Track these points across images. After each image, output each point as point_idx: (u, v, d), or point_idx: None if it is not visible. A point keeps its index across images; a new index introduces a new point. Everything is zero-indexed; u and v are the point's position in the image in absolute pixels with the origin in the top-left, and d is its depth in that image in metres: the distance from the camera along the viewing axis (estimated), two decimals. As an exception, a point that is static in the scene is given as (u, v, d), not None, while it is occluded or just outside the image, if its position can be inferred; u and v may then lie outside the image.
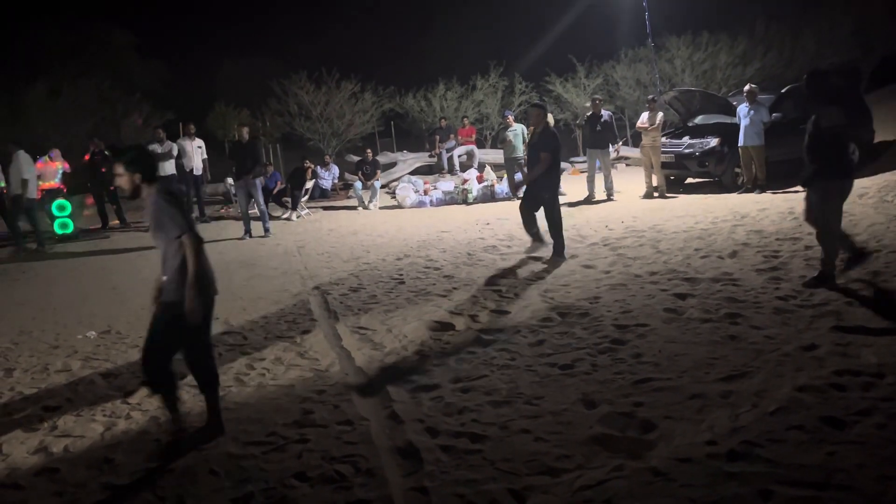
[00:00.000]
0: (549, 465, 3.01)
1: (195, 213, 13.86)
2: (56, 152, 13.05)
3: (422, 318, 5.64)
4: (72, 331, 6.17)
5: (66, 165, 13.19)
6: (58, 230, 12.17)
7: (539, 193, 7.69)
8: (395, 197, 15.12)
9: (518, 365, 4.33)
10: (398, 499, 2.87)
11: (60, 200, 12.34)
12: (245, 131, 11.90)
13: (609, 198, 12.15)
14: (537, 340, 4.79)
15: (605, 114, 12.68)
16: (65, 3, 28.70)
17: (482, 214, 11.83)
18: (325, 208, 15.12)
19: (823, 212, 5.40)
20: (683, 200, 11.14)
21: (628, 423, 3.36)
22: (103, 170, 13.42)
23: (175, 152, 13.14)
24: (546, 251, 7.69)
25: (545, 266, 7.22)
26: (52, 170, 12.88)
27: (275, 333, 5.60)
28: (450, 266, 7.68)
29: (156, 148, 13.02)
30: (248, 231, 11.52)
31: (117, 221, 13.90)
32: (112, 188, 13.91)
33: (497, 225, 10.40)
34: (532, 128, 8.07)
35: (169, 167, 13.01)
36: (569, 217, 7.76)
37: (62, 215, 12.19)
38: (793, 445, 2.96)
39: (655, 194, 11.75)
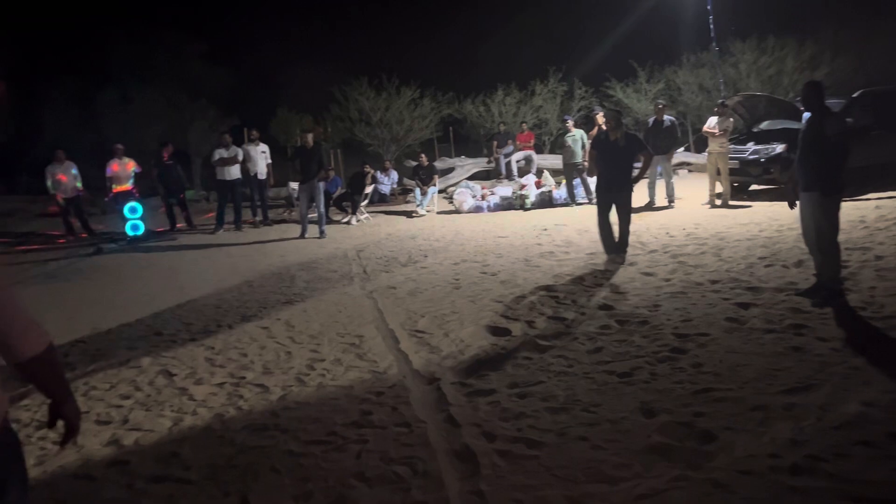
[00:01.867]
0: (607, 473, 3.00)
1: (258, 217, 14.22)
2: (119, 148, 13.54)
3: (478, 322, 5.67)
4: (141, 328, 6.40)
5: (137, 166, 13.71)
6: (129, 232, 12.63)
7: (621, 193, 7.73)
8: (452, 202, 15.20)
9: (575, 372, 4.32)
10: (455, 502, 2.90)
11: (133, 203, 12.80)
12: (309, 137, 12.26)
13: (670, 204, 11.96)
14: (595, 348, 4.76)
15: (668, 119, 12.49)
16: (135, 12, 29.81)
17: (539, 220, 11.79)
18: (384, 213, 15.30)
19: (826, 223, 5.34)
20: (748, 208, 10.87)
21: (688, 433, 3.32)
22: (171, 168, 13.92)
23: (241, 157, 13.51)
24: (605, 259, 7.65)
25: (604, 273, 7.16)
26: (126, 172, 13.40)
27: (334, 335, 5.70)
28: (506, 271, 7.68)
29: (221, 153, 13.42)
30: (304, 231, 11.89)
31: (184, 223, 14.35)
32: (181, 192, 14.42)
33: (555, 231, 10.36)
34: (594, 133, 8.11)
35: (234, 171, 13.40)
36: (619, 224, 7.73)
37: (134, 217, 12.65)
38: (859, 461, 2.88)
39: (718, 201, 11.50)
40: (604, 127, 12.30)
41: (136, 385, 4.81)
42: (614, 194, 7.78)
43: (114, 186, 13.51)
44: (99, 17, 28.28)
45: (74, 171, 13.61)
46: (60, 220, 14.10)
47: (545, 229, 10.60)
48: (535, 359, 4.65)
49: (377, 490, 3.05)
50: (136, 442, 3.83)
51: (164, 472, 3.41)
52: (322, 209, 12.08)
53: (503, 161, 17.76)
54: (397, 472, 3.18)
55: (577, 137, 13.54)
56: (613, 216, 7.85)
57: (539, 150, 20.17)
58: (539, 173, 16.07)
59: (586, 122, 16.59)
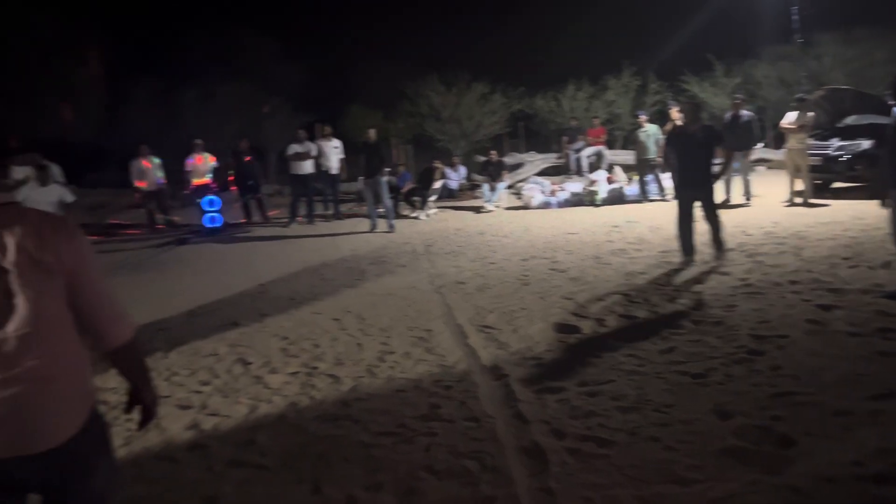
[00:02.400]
0: (679, 474, 2.94)
1: (330, 210, 14.50)
2: (199, 143, 14.04)
3: (547, 319, 5.64)
4: (219, 318, 6.62)
5: (214, 160, 14.20)
6: (207, 224, 13.07)
7: (702, 190, 7.35)
8: (521, 197, 15.14)
9: (647, 371, 4.25)
10: (524, 498, 2.90)
11: (211, 196, 13.25)
12: (373, 133, 12.45)
13: (747, 202, 11.59)
14: (668, 347, 4.67)
15: (746, 114, 12.10)
16: (216, 11, 30.82)
17: (610, 217, 11.62)
18: (452, 208, 15.36)
19: None
20: (830, 206, 10.44)
21: (765, 436, 3.22)
22: (247, 163, 14.35)
23: (314, 152, 13.79)
24: (680, 258, 7.47)
25: (677, 271, 7.01)
26: (205, 166, 13.89)
27: (404, 328, 5.77)
28: (576, 268, 7.61)
29: (296, 148, 13.75)
30: (373, 226, 12.10)
31: (259, 217, 14.76)
32: (257, 184, 14.83)
33: (626, 228, 10.19)
34: (668, 128, 7.88)
35: (308, 166, 13.70)
36: (705, 222, 7.46)
37: (212, 210, 13.08)
38: (952, 474, 2.74)
39: (799, 200, 11.08)
40: (678, 122, 12.05)
41: (214, 372, 4.99)
42: (694, 191, 7.35)
43: (193, 180, 14.03)
44: (183, 18, 29.37)
45: (158, 165, 14.18)
46: (143, 213, 14.73)
47: (616, 226, 10.44)
48: (606, 357, 4.60)
49: (446, 483, 3.08)
50: (214, 427, 3.98)
51: (242, 458, 3.53)
52: (388, 204, 12.23)
53: (573, 156, 17.57)
54: (466, 467, 3.21)
55: (651, 133, 13.29)
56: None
57: (611, 146, 19.87)
58: (610, 169, 15.83)
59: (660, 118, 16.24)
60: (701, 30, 27.74)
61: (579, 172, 17.05)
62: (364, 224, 12.73)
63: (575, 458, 3.18)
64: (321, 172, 14.14)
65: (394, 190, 14.85)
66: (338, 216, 14.42)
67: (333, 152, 14.18)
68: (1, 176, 1.88)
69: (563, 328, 5.36)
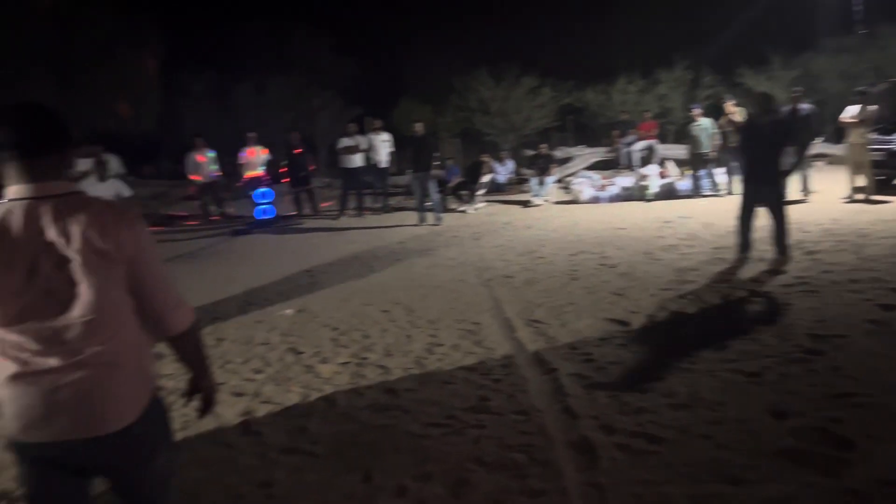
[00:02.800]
0: (733, 473, 2.90)
1: (378, 204, 14.61)
2: (252, 136, 14.30)
3: (596, 314, 5.60)
4: (271, 308, 6.75)
5: (267, 153, 14.44)
6: (259, 216, 13.31)
7: (771, 187, 6.92)
8: (570, 192, 15.02)
9: (699, 369, 4.18)
10: (573, 492, 2.90)
11: (263, 188, 13.48)
12: (420, 127, 12.51)
13: (804, 198, 11.28)
14: (720, 345, 4.58)
15: (805, 107, 11.75)
16: (271, 6, 31.31)
17: (662, 212, 11.45)
18: (500, 202, 15.32)
19: None
20: (892, 203, 10.08)
21: (822, 438, 3.15)
22: (300, 158, 14.57)
23: (364, 146, 13.91)
24: (734, 255, 7.32)
25: (731, 268, 6.87)
26: (256, 159, 14.14)
27: (452, 321, 5.79)
28: (626, 264, 7.52)
29: (346, 141, 13.89)
30: (421, 219, 12.19)
31: (309, 209, 14.96)
32: (308, 177, 15.03)
33: (678, 223, 10.02)
34: (722, 122, 7.63)
35: (357, 159, 13.82)
36: (770, 220, 7.15)
37: (264, 202, 13.31)
38: None
39: (859, 196, 10.72)
40: (734, 117, 11.79)
41: (267, 361, 5.10)
42: (761, 187, 6.95)
43: (246, 172, 14.31)
44: (238, 12, 29.88)
45: (211, 158, 14.49)
46: (198, 204, 15.08)
47: (668, 222, 10.28)
48: (656, 353, 4.54)
49: (495, 476, 3.10)
50: (267, 414, 4.07)
51: (294, 445, 3.60)
52: (436, 197, 12.27)
53: (624, 151, 17.33)
54: (515, 460, 3.22)
55: (704, 127, 13.02)
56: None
57: (662, 140, 19.52)
58: (662, 164, 15.59)
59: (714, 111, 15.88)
60: (757, 21, 27.00)
61: (630, 167, 16.81)
62: (412, 217, 12.79)
63: (625, 454, 3.16)
64: (370, 166, 14.26)
65: (441, 184, 14.90)
66: (386, 209, 14.53)
67: (383, 146, 14.27)
68: (67, 167, 1.94)
69: (613, 323, 5.31)
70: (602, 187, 14.40)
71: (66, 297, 1.77)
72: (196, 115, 23.89)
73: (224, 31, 28.56)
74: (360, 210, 14.04)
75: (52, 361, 1.79)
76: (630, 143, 17.30)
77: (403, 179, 17.45)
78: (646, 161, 16.53)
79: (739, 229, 7.16)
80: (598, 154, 18.47)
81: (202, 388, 2.15)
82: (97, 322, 1.80)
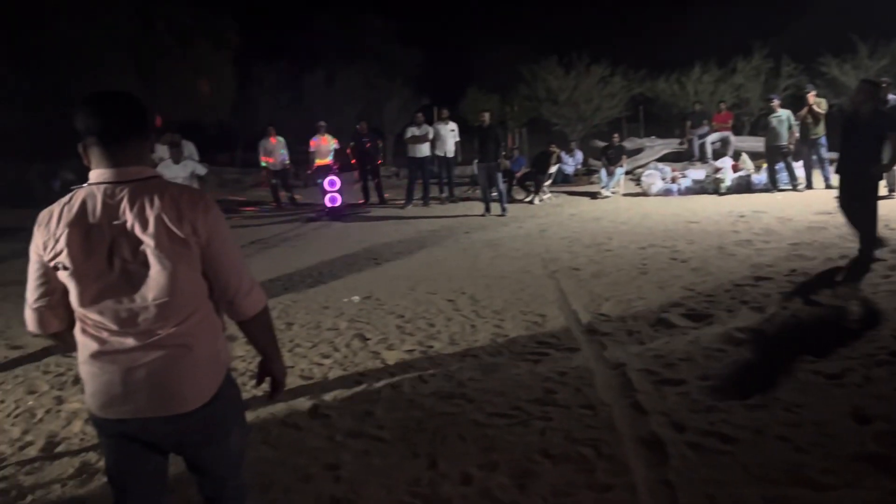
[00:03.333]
0: (811, 477, 2.79)
1: (444, 193, 14.64)
2: (322, 125, 14.53)
3: (667, 309, 5.47)
4: (339, 294, 6.86)
5: (336, 142, 14.64)
6: (328, 204, 13.50)
7: (861, 181, 6.42)
8: (640, 184, 14.73)
9: (776, 368, 4.04)
10: (642, 489, 2.84)
11: (332, 176, 13.66)
12: (487, 116, 12.44)
13: (890, 194, 10.73)
14: (798, 344, 4.42)
15: (893, 98, 11.17)
16: (341, -3, 31.68)
17: (736, 206, 11.09)
18: (567, 193, 15.14)
19: None
20: None
21: (909, 445, 2.99)
22: (367, 146, 14.72)
23: (431, 135, 13.95)
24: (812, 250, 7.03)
25: (810, 264, 6.60)
26: (326, 147, 14.35)
27: (517, 312, 5.76)
28: (698, 258, 7.32)
29: (413, 130, 13.95)
30: (487, 209, 12.14)
31: (377, 198, 15.10)
32: (376, 166, 15.17)
33: (753, 218, 9.69)
34: (802, 113, 7.26)
35: (425, 149, 13.87)
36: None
37: (333, 190, 13.50)
38: None
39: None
40: (816, 108, 11.32)
41: (335, 346, 5.18)
42: (852, 179, 6.52)
43: (315, 160, 14.54)
44: (310, 3, 30.36)
45: (283, 145, 14.79)
46: (269, 191, 15.43)
47: (742, 216, 9.96)
48: (729, 351, 4.41)
49: (561, 468, 3.06)
50: (335, 398, 4.13)
51: (360, 429, 3.65)
52: (501, 187, 12.21)
53: (697, 142, 16.87)
54: (581, 453, 3.17)
55: (783, 118, 12.52)
56: None
57: (737, 132, 18.91)
58: (736, 156, 15.10)
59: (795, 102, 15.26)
60: (842, 6, 25.74)
61: (703, 159, 16.37)
62: (478, 207, 12.77)
63: (696, 453, 3.08)
64: (437, 155, 14.29)
65: (508, 174, 14.80)
66: (452, 199, 14.54)
67: (450, 135, 14.26)
68: (146, 152, 1.99)
69: (685, 319, 5.17)
70: (673, 180, 14.06)
71: (142, 279, 1.83)
72: (268, 104, 24.40)
73: (296, 22, 29.09)
74: (426, 200, 14.09)
75: (129, 341, 1.85)
76: (703, 135, 16.83)
77: (469, 169, 17.48)
78: (719, 153, 16.07)
79: (851, 222, 6.62)
80: (669, 146, 18.02)
81: (272, 372, 2.18)
82: (172, 304, 1.85)
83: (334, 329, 5.65)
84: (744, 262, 6.93)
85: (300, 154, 16.50)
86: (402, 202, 14.10)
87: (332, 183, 13.51)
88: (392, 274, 7.69)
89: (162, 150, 12.32)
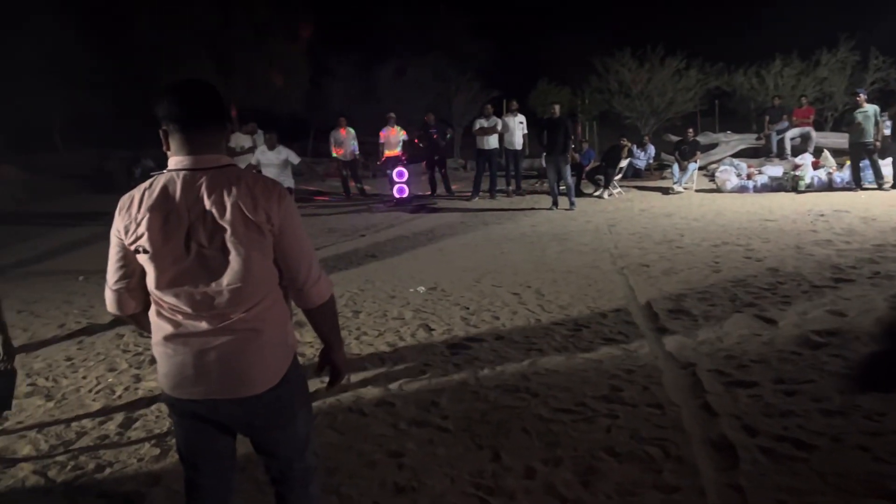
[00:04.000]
0: (892, 490, 2.66)
1: (511, 186, 14.56)
2: (392, 116, 14.67)
3: (740, 309, 5.31)
4: (405, 284, 6.91)
5: (405, 134, 14.76)
6: (396, 194, 13.64)
7: None
8: (713, 180, 14.33)
9: (855, 374, 3.86)
10: (710, 492, 2.77)
11: (400, 167, 13.78)
12: (557, 109, 12.31)
13: None
14: (881, 350, 4.22)
15: None
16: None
17: (815, 204, 10.67)
18: (638, 188, 14.85)
19: None
20: None
21: None
22: (437, 139, 14.78)
23: (499, 127, 13.89)
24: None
25: (895, 266, 6.29)
26: (395, 139, 14.48)
27: (584, 308, 5.69)
28: (774, 258, 7.08)
29: (482, 122, 13.92)
30: (555, 203, 12.00)
31: (444, 189, 15.15)
32: (443, 158, 15.20)
33: (833, 217, 9.31)
34: None
35: (493, 141, 13.83)
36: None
37: (400, 181, 13.62)
38: None
39: None
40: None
41: (401, 335, 5.23)
42: None
43: (385, 151, 14.69)
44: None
45: (353, 136, 14.99)
46: (338, 181, 15.67)
47: (822, 215, 9.57)
48: (806, 355, 4.24)
49: (627, 467, 3.02)
50: (400, 387, 4.17)
51: (425, 418, 3.67)
52: (570, 181, 12.06)
53: (775, 138, 16.28)
54: (648, 453, 3.11)
55: (870, 114, 11.96)
56: None
57: (819, 127, 18.14)
58: (817, 153, 14.51)
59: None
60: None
61: (781, 155, 15.80)
62: (545, 201, 12.66)
63: (769, 458, 2.98)
64: (505, 148, 14.23)
65: (577, 168, 14.62)
66: (519, 192, 14.46)
67: (518, 128, 14.18)
68: (225, 140, 2.04)
69: (758, 320, 5.01)
70: (749, 176, 13.61)
71: (217, 264, 1.87)
72: (340, 95, 24.75)
73: (368, 13, 29.37)
74: (493, 192, 14.05)
75: (202, 325, 1.90)
76: (782, 131, 16.24)
77: (537, 162, 17.34)
78: (799, 150, 15.47)
79: None
80: (745, 141, 17.44)
81: (333, 361, 2.21)
82: (244, 290, 1.90)
83: (400, 318, 5.70)
84: (823, 263, 6.66)
85: (370, 145, 16.70)
86: (469, 194, 14.10)
87: (400, 174, 13.63)
88: (458, 265, 7.70)
89: (242, 139, 12.68)
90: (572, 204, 11.89)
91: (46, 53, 18.10)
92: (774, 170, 13.69)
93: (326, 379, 2.26)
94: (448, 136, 15.68)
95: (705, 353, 4.42)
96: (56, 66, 18.54)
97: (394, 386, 4.18)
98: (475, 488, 2.94)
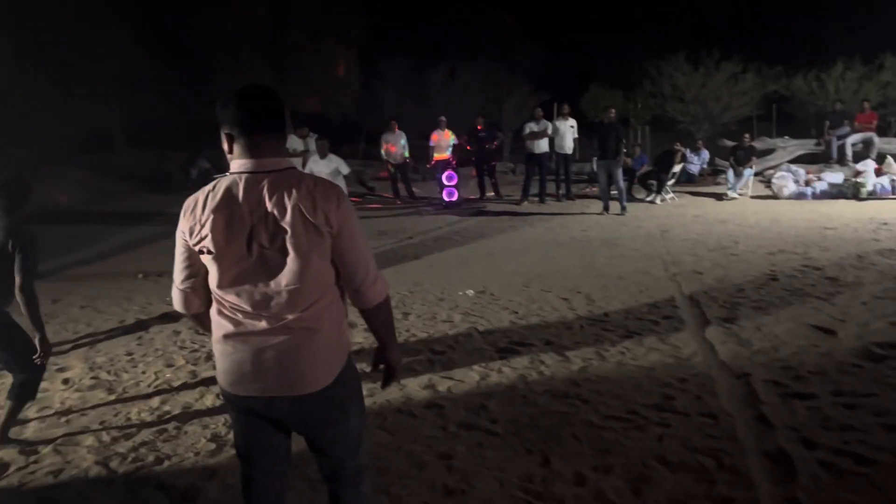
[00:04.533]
0: (959, 509, 2.57)
1: (561, 190, 14.46)
2: (442, 120, 14.72)
3: (797, 319, 5.18)
4: (454, 287, 6.93)
5: (456, 137, 14.80)
6: (445, 197, 13.68)
7: None
8: (770, 186, 13.99)
9: (921, 389, 3.74)
10: (766, 505, 2.72)
11: (449, 171, 13.83)
12: (612, 113, 12.18)
13: None
14: (948, 365, 4.07)
15: None
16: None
17: (878, 212, 10.34)
18: (691, 193, 14.60)
19: None
20: None
21: None
22: (486, 145, 14.79)
23: (550, 131, 13.82)
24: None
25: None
26: (445, 142, 14.53)
27: (635, 314, 5.62)
28: (833, 267, 6.88)
29: (532, 126, 13.86)
30: (605, 207, 11.91)
31: (493, 193, 15.14)
32: (492, 163, 15.20)
33: (898, 226, 9.00)
34: None
35: (543, 145, 13.76)
36: None
37: (450, 184, 13.67)
38: None
39: None
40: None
41: (449, 338, 5.24)
42: None
43: (434, 155, 14.76)
44: (434, -1, 30.72)
45: (403, 140, 15.09)
46: (388, 184, 15.80)
47: (885, 223, 9.27)
48: (867, 367, 4.12)
49: (679, 476, 2.98)
50: (449, 389, 4.19)
51: (474, 421, 3.68)
52: (622, 186, 11.93)
53: (836, 143, 15.80)
54: (701, 463, 3.07)
55: (938, 119, 11.53)
56: None
57: (882, 133, 17.54)
58: (880, 159, 14.04)
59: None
60: None
61: (842, 161, 15.32)
62: (595, 205, 12.55)
63: (828, 472, 2.90)
64: (556, 152, 14.15)
65: (628, 172, 14.46)
66: (569, 196, 14.35)
67: (569, 132, 14.08)
68: (284, 144, 2.09)
69: (817, 331, 4.89)
70: (807, 182, 13.26)
71: (277, 265, 1.92)
72: (391, 98, 24.98)
73: (419, 17, 29.55)
74: (543, 196, 13.98)
75: (261, 324, 1.95)
76: (843, 136, 15.75)
77: (588, 167, 17.19)
78: (861, 156, 14.99)
79: None
80: (804, 146, 16.98)
81: (388, 360, 2.24)
82: (302, 290, 1.94)
83: (449, 321, 5.72)
84: (886, 274, 6.45)
85: (419, 148, 16.78)
86: (519, 198, 14.06)
87: (449, 177, 13.67)
88: (506, 269, 7.69)
89: (296, 142, 12.89)
90: (623, 209, 11.77)
91: (110, 59, 18.71)
92: (834, 176, 13.31)
93: (374, 379, 2.29)
94: (497, 140, 15.64)
95: (760, 362, 4.33)
96: (118, 71, 19.15)
97: (443, 388, 4.21)
98: (524, 493, 2.94)
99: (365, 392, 3.70)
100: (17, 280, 3.47)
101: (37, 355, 3.58)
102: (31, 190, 3.78)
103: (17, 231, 3.53)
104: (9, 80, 15.40)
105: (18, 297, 3.50)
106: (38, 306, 3.57)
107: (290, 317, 1.94)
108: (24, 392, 3.74)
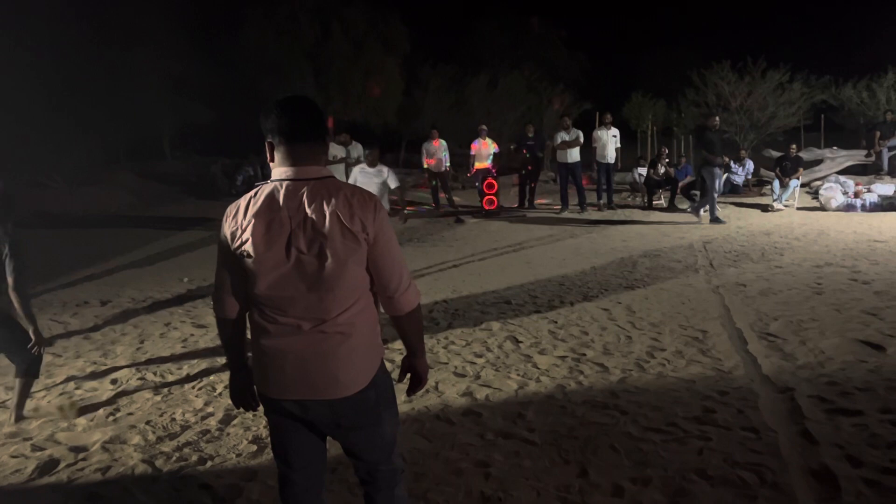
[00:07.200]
0: None
1: (603, 200, 14.35)
2: (483, 129, 14.75)
3: (844, 334, 5.06)
4: (492, 295, 6.93)
5: (497, 147, 14.81)
6: (485, 206, 13.69)
7: None
8: (817, 197, 13.68)
9: (973, 408, 3.63)
10: (809, 522, 2.67)
11: (490, 179, 13.83)
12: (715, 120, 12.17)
13: None
14: None
15: None
16: (506, 2, 31.96)
17: (931, 226, 10.05)
18: (735, 204, 14.35)
19: None
20: None
21: None
22: (525, 153, 14.76)
23: (581, 139, 13.72)
24: None
25: None
26: (486, 151, 14.55)
27: (676, 326, 5.56)
28: (883, 281, 6.71)
29: (563, 136, 13.79)
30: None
31: (536, 201, 15.07)
32: (532, 170, 15.15)
33: (951, 240, 8.73)
34: None
35: (574, 154, 13.68)
36: None
37: (490, 193, 13.68)
38: None
39: None
40: None
41: (487, 346, 5.26)
42: None
43: (475, 163, 14.78)
44: (475, 8, 30.92)
45: (444, 148, 15.15)
46: (428, 192, 15.87)
47: (938, 237, 9.00)
48: (917, 385, 4.01)
49: (720, 490, 2.94)
50: (486, 397, 4.20)
51: (511, 430, 3.69)
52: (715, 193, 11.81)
53: (886, 154, 15.40)
54: (742, 478, 3.02)
55: None
56: None
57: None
58: (934, 171, 13.65)
59: None
60: None
61: (893, 173, 14.93)
62: (637, 215, 12.44)
63: (874, 491, 2.84)
64: (597, 161, 14.06)
65: (672, 182, 14.31)
66: (611, 206, 14.24)
67: (611, 141, 13.98)
68: (325, 153, 2.14)
69: (864, 346, 4.78)
70: (856, 194, 12.92)
71: (314, 270, 1.96)
72: (432, 107, 25.10)
73: (461, 26, 29.73)
74: (583, 205, 13.89)
75: (297, 328, 2.00)
76: (893, 147, 15.34)
77: (629, 177, 17.03)
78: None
79: None
80: (853, 157, 16.57)
81: (415, 368, 2.28)
82: (338, 295, 1.98)
83: (487, 329, 5.73)
84: (939, 289, 6.27)
85: (460, 157, 16.83)
86: (559, 207, 14.00)
87: (489, 186, 13.68)
88: (546, 277, 7.67)
89: (336, 149, 13.04)
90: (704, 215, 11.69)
91: (160, 67, 19.22)
92: (885, 188, 12.95)
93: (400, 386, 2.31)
94: (543, 151, 15.62)
95: (805, 378, 4.24)
96: (168, 79, 19.65)
97: (481, 396, 4.22)
98: (561, 503, 2.93)
99: (403, 398, 3.75)
100: (10, 281, 3.86)
101: (31, 344, 4.00)
102: (15, 199, 4.16)
103: (8, 237, 3.92)
104: (63, 86, 15.94)
105: (12, 295, 3.87)
106: (30, 303, 3.97)
107: (325, 321, 1.99)
108: (30, 370, 4.17)
